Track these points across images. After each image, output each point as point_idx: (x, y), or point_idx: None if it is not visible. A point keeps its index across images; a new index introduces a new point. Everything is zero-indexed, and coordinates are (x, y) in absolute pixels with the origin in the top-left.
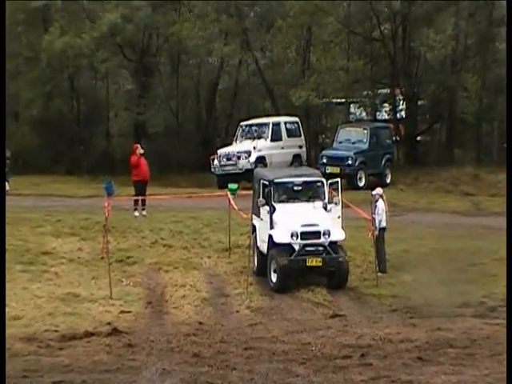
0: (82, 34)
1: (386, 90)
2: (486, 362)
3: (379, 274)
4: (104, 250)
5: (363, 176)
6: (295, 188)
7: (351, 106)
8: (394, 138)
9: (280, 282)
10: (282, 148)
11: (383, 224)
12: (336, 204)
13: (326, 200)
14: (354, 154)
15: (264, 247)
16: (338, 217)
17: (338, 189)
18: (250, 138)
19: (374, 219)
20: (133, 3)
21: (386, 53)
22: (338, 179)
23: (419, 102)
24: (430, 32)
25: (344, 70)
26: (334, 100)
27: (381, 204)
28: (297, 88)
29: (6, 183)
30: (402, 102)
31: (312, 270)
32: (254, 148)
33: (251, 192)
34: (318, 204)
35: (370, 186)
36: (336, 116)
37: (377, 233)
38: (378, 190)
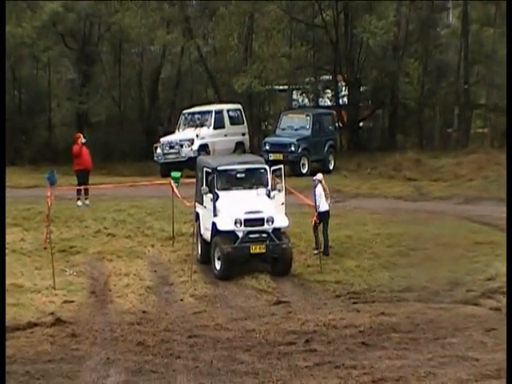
0: (23, 24)
1: (329, 77)
2: (429, 346)
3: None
4: (47, 240)
5: (306, 162)
6: (238, 175)
7: (294, 92)
8: (336, 125)
9: (224, 270)
10: (225, 135)
11: (321, 208)
12: (279, 191)
13: (270, 187)
14: (297, 140)
15: (208, 235)
16: (282, 203)
17: (281, 175)
18: (192, 126)
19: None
20: None
21: (328, 39)
22: (281, 166)
23: (361, 88)
24: (371, 18)
25: (286, 57)
26: (277, 87)
27: (318, 189)
28: (239, 75)
29: None
30: (344, 89)
31: (256, 256)
32: (197, 136)
33: (194, 180)
34: (262, 191)
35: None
36: (279, 103)
37: (315, 218)
38: (318, 176)
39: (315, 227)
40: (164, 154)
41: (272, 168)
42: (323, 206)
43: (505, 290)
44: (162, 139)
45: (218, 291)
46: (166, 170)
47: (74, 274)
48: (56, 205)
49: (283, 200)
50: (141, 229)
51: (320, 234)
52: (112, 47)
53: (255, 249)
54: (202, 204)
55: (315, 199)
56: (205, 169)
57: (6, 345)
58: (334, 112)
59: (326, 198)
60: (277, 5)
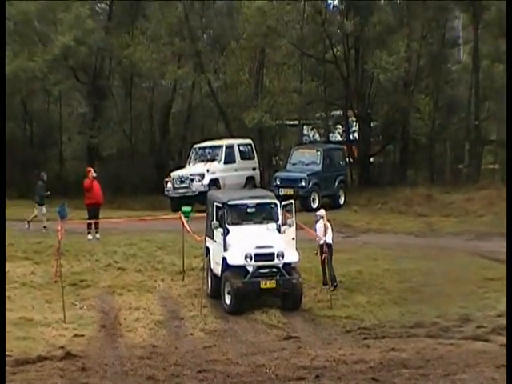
0: (35, 57)
1: (339, 112)
2: (439, 382)
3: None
4: (57, 274)
5: (317, 197)
6: (249, 210)
7: (304, 127)
8: (347, 160)
9: (234, 305)
10: (236, 170)
11: (321, 241)
12: (290, 226)
13: (280, 222)
14: (308, 175)
15: (218, 269)
16: (292, 238)
17: (291, 210)
18: (203, 161)
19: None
20: (86, 26)
21: (339, 75)
22: (292, 201)
23: (372, 124)
24: (382, 54)
25: (297, 92)
26: (288, 122)
27: (319, 224)
28: (250, 110)
29: (42, 207)
30: (355, 124)
31: (266, 291)
32: (208, 171)
33: (205, 214)
34: (272, 226)
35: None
36: (289, 138)
37: (324, 254)
38: (320, 212)
39: (323, 262)
40: (174, 189)
41: (282, 203)
42: (325, 238)
43: None
44: (173, 173)
45: (228, 326)
46: (176, 204)
47: (85, 307)
48: (67, 238)
49: (294, 235)
50: (151, 263)
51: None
52: (123, 81)
53: (265, 284)
54: (213, 238)
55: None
56: (215, 203)
57: (12, 378)
58: (345, 147)
59: (326, 233)
60: (288, 40)
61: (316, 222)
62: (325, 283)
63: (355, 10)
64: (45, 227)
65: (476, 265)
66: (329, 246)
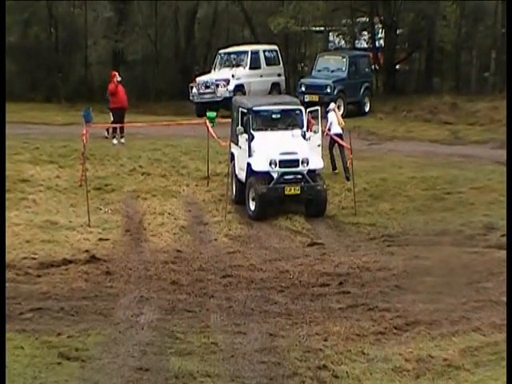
0: None
1: (365, 19)
2: (463, 290)
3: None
4: (82, 178)
5: (342, 104)
6: (274, 116)
7: (330, 34)
8: (372, 67)
9: (258, 210)
10: (261, 76)
11: (332, 131)
12: (315, 132)
13: (305, 128)
14: (333, 82)
15: (242, 175)
16: (318, 145)
17: (317, 117)
18: (228, 66)
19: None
20: None
21: None
22: (318, 107)
23: (398, 31)
24: None
25: None
26: (313, 28)
27: (330, 115)
28: (275, 15)
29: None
30: (380, 31)
31: (290, 198)
32: (233, 76)
33: (230, 120)
34: (297, 132)
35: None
36: (315, 44)
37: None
38: (331, 106)
39: (330, 147)
40: (199, 94)
41: (308, 109)
42: (334, 129)
43: None
44: (198, 79)
45: (252, 232)
46: (201, 109)
47: (109, 211)
48: (91, 142)
49: (319, 142)
50: (176, 168)
51: (338, 158)
52: None
53: (290, 190)
54: (237, 144)
55: (327, 123)
56: (240, 109)
57: (36, 280)
58: (371, 54)
59: (339, 123)
60: None
61: (327, 112)
62: (334, 168)
63: None
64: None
65: (500, 173)
66: (339, 135)
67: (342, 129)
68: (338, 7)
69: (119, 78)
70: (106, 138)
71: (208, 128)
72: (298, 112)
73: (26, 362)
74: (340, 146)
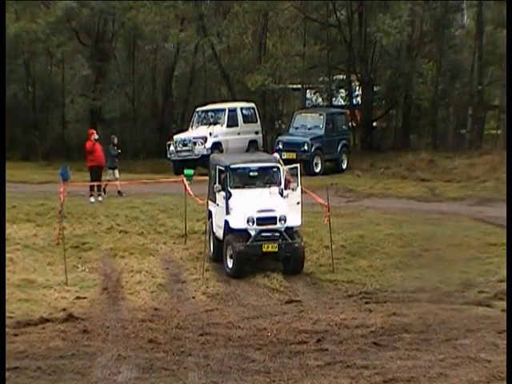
0: (37, 19)
1: (342, 76)
2: (441, 346)
3: None
4: (59, 236)
5: (319, 162)
6: (251, 174)
7: (307, 91)
8: (350, 124)
9: (236, 268)
10: (238, 134)
11: None
12: (293, 190)
13: (282, 186)
14: (310, 139)
15: (220, 233)
16: (298, 203)
17: (296, 174)
18: (206, 124)
19: None
20: None
21: (342, 39)
22: (298, 165)
23: (375, 88)
24: (385, 18)
25: (300, 56)
26: (291, 86)
27: None
28: (253, 73)
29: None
30: (358, 88)
31: (268, 255)
32: (210, 134)
33: (207, 178)
34: (274, 190)
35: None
36: (292, 102)
37: None
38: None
39: None
40: (177, 152)
41: (287, 167)
42: None
43: None
44: (176, 136)
45: (230, 289)
46: (179, 167)
47: (87, 270)
48: (69, 201)
49: (299, 199)
50: (153, 226)
51: None
52: (126, 44)
53: (267, 247)
54: (215, 202)
55: None
56: (218, 167)
57: (13, 339)
58: (348, 111)
59: None
60: (291, 3)
61: None
62: None
63: None
64: (119, 192)
65: (478, 230)
66: None
67: None
68: (315, 65)
69: (96, 137)
70: (100, 195)
71: (185, 186)
72: (275, 169)
73: None
74: None
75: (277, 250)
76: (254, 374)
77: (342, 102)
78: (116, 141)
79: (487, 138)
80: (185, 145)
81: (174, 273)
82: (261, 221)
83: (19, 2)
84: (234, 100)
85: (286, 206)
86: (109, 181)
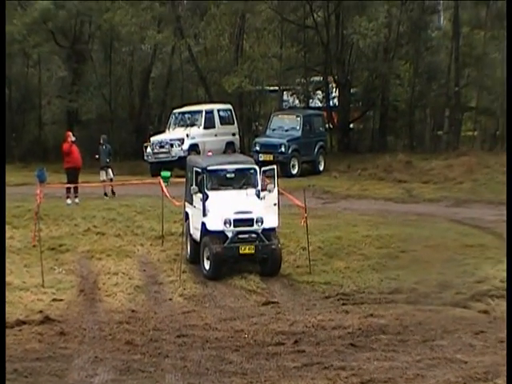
0: (14, 20)
1: (319, 78)
2: (418, 348)
3: None
4: (36, 238)
5: (296, 163)
6: (228, 175)
7: (284, 93)
8: (327, 126)
9: (213, 270)
10: (216, 135)
11: None
12: (270, 191)
13: (260, 187)
14: (287, 141)
15: (197, 235)
16: (274, 204)
17: (273, 176)
18: (183, 126)
19: None
20: None
21: (319, 40)
22: (274, 166)
23: (352, 90)
24: (362, 20)
25: (277, 58)
26: (267, 87)
27: None
28: (230, 75)
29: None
30: (335, 90)
31: (245, 257)
32: (187, 136)
33: (184, 180)
34: (251, 191)
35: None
36: (269, 103)
37: None
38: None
39: None
40: (154, 154)
41: (264, 168)
42: None
43: (494, 293)
44: (152, 138)
45: (207, 291)
46: (155, 169)
47: (63, 272)
48: (45, 203)
49: (276, 201)
50: (130, 228)
51: None
52: (103, 45)
53: (244, 249)
54: (192, 204)
55: None
56: (195, 168)
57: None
58: (325, 113)
59: None
60: (268, 5)
61: None
62: None
63: None
64: (112, 192)
65: (455, 231)
66: None
67: None
68: (292, 66)
69: (73, 138)
70: (106, 195)
71: (162, 187)
72: (252, 171)
73: None
74: None
75: (254, 251)
76: (231, 376)
77: (319, 104)
78: (106, 138)
79: (464, 140)
80: (162, 147)
81: (150, 275)
82: (238, 222)
83: None
84: (211, 102)
85: (262, 207)
86: (104, 181)
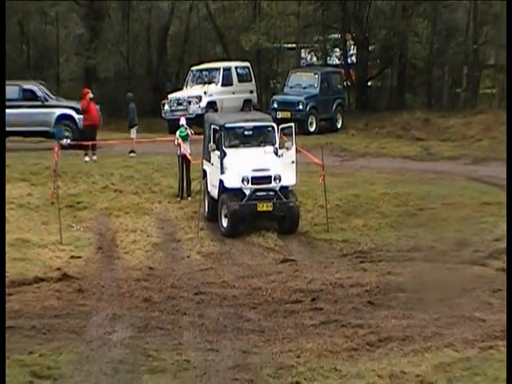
0: None
1: (337, 35)
2: (436, 306)
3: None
4: (54, 195)
5: (314, 121)
6: (246, 133)
7: (302, 51)
8: (344, 83)
9: (231, 227)
10: (233, 93)
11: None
12: (288, 149)
13: (277, 145)
14: (305, 98)
15: (215, 192)
16: (292, 162)
17: (291, 134)
18: (200, 83)
19: None
20: None
21: None
22: (292, 124)
23: (370, 47)
24: None
25: (295, 15)
26: (285, 45)
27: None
28: (247, 32)
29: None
30: (352, 47)
31: (263, 214)
32: (205, 93)
33: (202, 137)
34: (269, 149)
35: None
36: (287, 61)
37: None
38: (182, 120)
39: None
40: (172, 111)
41: (282, 126)
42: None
43: None
44: (170, 96)
45: (225, 249)
46: (173, 126)
47: (81, 229)
48: (63, 160)
49: (293, 158)
50: (148, 185)
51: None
52: (120, 3)
53: (262, 206)
54: (210, 161)
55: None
56: (212, 126)
57: (8, 299)
58: (343, 71)
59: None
60: None
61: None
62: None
63: None
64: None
65: (473, 189)
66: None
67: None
68: (309, 24)
69: (91, 95)
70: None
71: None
72: (270, 129)
73: None
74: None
75: (271, 209)
76: (248, 333)
77: (337, 62)
78: (132, 96)
79: (482, 98)
80: (179, 104)
81: (168, 232)
82: (255, 180)
83: None
84: (229, 59)
85: (280, 165)
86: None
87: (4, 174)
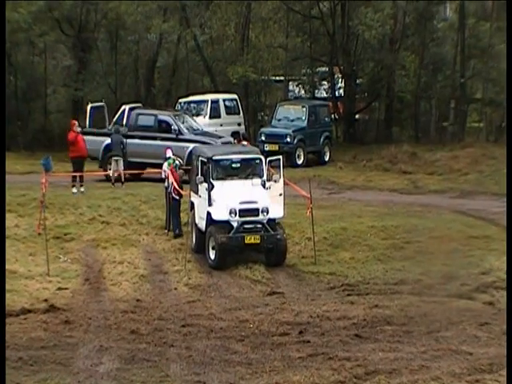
0: (19, 8)
1: (325, 68)
2: (423, 339)
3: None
4: (41, 227)
5: (302, 154)
6: (234, 165)
7: (290, 83)
8: (332, 116)
9: (218, 259)
10: (221, 125)
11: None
12: (275, 181)
13: (265, 177)
14: (293, 131)
15: (202, 224)
16: (280, 194)
17: (278, 166)
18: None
19: None
20: None
21: (324, 31)
22: (280, 156)
23: (358, 81)
24: (367, 11)
25: (283, 48)
26: (273, 77)
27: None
28: (235, 65)
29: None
30: (340, 80)
31: (250, 247)
32: None
33: (189, 169)
34: (257, 181)
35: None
36: (275, 93)
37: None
38: (168, 153)
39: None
40: None
41: (269, 159)
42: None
43: (499, 284)
44: None
45: (212, 281)
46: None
47: (68, 260)
48: (51, 191)
49: (281, 191)
50: (135, 217)
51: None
52: (108, 34)
53: (250, 239)
54: (197, 193)
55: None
56: (200, 158)
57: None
58: (330, 103)
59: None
60: None
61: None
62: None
63: None
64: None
65: (460, 223)
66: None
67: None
68: (297, 57)
69: (79, 129)
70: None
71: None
72: (257, 161)
73: None
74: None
75: (259, 241)
76: (236, 366)
77: (325, 94)
78: (118, 128)
79: (469, 131)
80: None
81: (156, 264)
82: (243, 212)
83: None
84: (217, 91)
85: (268, 197)
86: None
87: (4, 179)
